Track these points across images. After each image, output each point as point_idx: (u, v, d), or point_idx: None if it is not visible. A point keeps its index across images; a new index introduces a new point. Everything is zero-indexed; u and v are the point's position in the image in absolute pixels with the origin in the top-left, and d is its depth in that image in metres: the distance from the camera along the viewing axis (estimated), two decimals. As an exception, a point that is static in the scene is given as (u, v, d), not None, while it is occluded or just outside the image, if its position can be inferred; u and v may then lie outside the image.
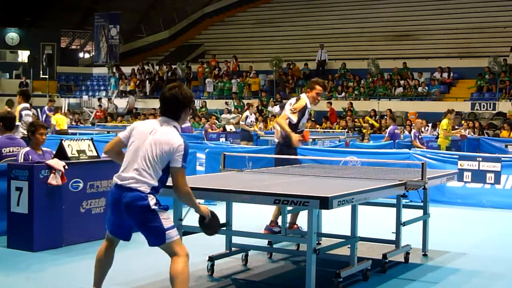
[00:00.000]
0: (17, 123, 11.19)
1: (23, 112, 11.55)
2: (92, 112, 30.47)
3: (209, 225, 4.87)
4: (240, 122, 16.13)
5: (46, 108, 20.67)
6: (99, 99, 31.59)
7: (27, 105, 11.80)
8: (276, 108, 9.29)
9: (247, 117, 16.96)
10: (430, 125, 20.70)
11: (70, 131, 18.89)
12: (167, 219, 4.61)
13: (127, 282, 5.64)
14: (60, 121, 18.45)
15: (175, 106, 4.70)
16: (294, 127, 7.64)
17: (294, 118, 7.62)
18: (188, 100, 4.74)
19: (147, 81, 32.84)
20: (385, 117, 21.88)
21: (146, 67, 33.84)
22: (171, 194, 5.38)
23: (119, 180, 4.64)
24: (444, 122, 16.12)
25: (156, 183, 4.62)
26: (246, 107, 20.90)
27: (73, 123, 26.27)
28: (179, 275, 4.55)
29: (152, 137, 4.60)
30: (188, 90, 4.81)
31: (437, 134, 17.33)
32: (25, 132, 11.16)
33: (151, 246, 4.69)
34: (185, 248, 4.67)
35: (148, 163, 4.57)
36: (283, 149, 7.77)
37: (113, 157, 4.91)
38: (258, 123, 20.77)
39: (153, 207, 4.56)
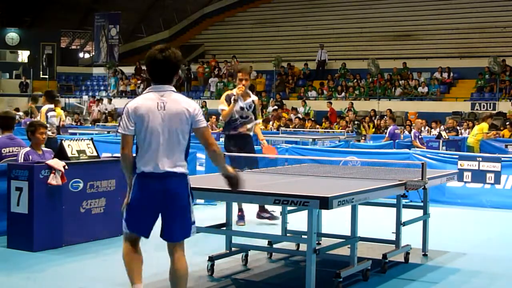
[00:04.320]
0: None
1: (49, 114, 11.58)
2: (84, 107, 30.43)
3: (235, 183, 4.67)
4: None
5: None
6: (101, 100, 31.57)
7: (52, 106, 11.81)
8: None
9: None
10: (434, 126, 20.70)
11: (70, 131, 18.80)
12: (193, 211, 4.49)
13: (127, 282, 5.64)
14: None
15: (169, 69, 4.39)
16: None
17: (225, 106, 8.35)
18: (181, 62, 4.51)
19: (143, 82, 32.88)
20: (385, 117, 21.87)
21: (144, 68, 33.86)
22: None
23: (153, 169, 4.32)
24: (485, 126, 16.83)
25: (186, 163, 4.49)
26: None
27: (73, 123, 26.25)
28: (186, 274, 4.51)
29: (163, 112, 4.33)
30: (178, 51, 4.48)
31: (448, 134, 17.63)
32: (51, 134, 11.13)
33: (173, 242, 4.45)
34: None
35: (176, 141, 4.37)
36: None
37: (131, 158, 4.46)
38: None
39: (190, 196, 4.45)
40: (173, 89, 4.44)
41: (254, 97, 8.67)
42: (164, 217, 4.41)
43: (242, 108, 8.41)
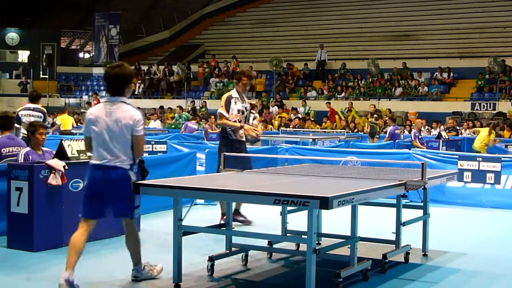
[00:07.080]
0: (16, 125, 11.02)
1: (20, 113, 11.56)
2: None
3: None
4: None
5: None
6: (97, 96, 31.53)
7: (30, 105, 11.75)
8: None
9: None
10: (436, 127, 20.70)
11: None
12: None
13: (126, 283, 5.64)
14: (64, 121, 18.44)
15: (119, 82, 5.27)
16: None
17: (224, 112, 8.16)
18: (129, 76, 5.32)
19: (143, 82, 32.86)
20: (385, 117, 21.85)
21: (143, 67, 33.87)
22: (171, 194, 5.41)
23: (98, 161, 5.29)
24: (493, 135, 16.72)
25: (131, 159, 5.30)
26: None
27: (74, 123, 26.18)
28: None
29: (110, 118, 5.21)
30: (129, 67, 5.38)
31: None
32: (26, 132, 11.13)
33: (117, 217, 5.44)
34: None
35: (118, 141, 5.22)
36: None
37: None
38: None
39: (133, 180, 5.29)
40: (124, 99, 5.28)
41: (247, 102, 8.43)
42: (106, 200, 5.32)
43: (239, 111, 8.21)
